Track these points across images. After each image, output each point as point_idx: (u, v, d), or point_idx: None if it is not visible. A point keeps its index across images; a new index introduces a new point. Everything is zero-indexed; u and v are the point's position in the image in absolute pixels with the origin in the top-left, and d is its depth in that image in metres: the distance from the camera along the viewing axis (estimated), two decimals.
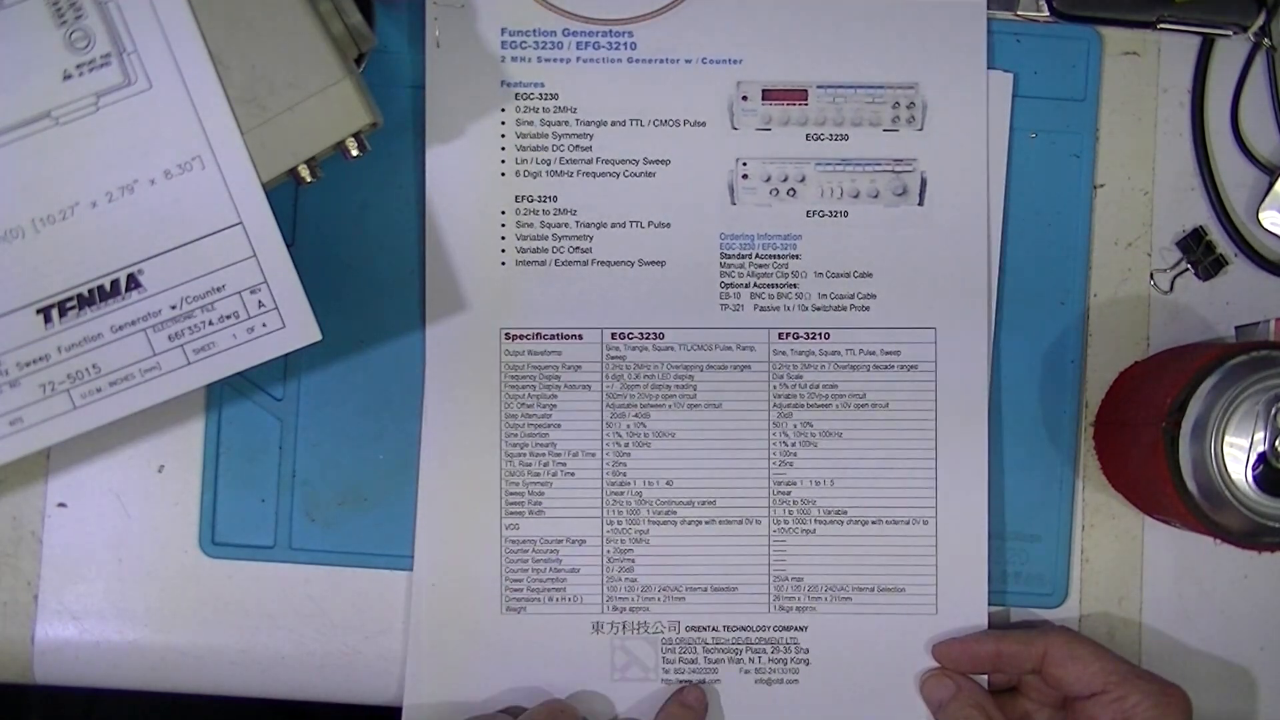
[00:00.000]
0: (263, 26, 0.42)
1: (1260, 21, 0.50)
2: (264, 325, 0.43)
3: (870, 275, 0.50)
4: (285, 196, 0.50)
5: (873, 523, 0.50)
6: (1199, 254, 0.51)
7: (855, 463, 0.50)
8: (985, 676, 0.50)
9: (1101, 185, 0.52)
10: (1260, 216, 0.51)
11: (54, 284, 0.42)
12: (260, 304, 0.43)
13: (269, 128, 0.42)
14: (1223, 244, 0.52)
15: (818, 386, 0.50)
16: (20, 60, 0.42)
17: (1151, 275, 0.52)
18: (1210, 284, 0.52)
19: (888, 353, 0.50)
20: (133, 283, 0.42)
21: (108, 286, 0.42)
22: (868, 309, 0.50)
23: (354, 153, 0.44)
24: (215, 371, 0.43)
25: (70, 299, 0.42)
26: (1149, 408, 0.46)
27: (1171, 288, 0.52)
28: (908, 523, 0.50)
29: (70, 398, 0.43)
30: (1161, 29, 0.51)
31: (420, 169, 0.50)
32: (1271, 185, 0.51)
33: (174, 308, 0.43)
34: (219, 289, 0.43)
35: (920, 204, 0.50)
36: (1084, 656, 0.46)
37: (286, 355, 0.44)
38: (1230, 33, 0.51)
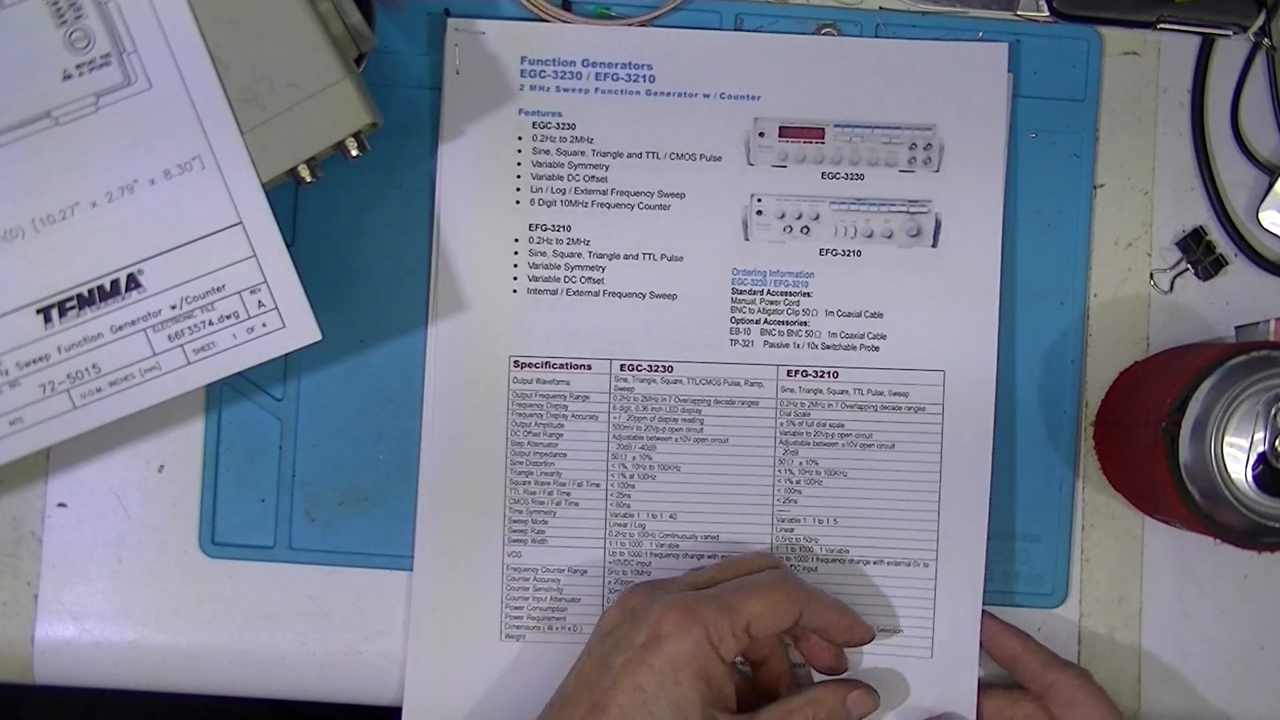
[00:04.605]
0: (263, 26, 0.42)
1: (1260, 21, 0.50)
2: (264, 325, 0.43)
3: (881, 315, 0.50)
4: (285, 196, 0.50)
5: (874, 563, 0.50)
6: (1199, 254, 0.51)
7: (859, 502, 0.50)
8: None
9: (1101, 185, 0.52)
10: (1260, 216, 0.51)
11: (54, 284, 0.42)
12: (260, 304, 0.43)
13: (269, 128, 0.42)
14: (1223, 244, 0.52)
15: (825, 425, 0.50)
16: (20, 60, 0.42)
17: (1151, 275, 0.52)
18: (1210, 284, 0.52)
19: (896, 394, 0.50)
20: (133, 283, 0.42)
21: (108, 286, 0.42)
22: (878, 349, 0.50)
23: (354, 153, 0.44)
24: (215, 371, 0.43)
25: (70, 299, 0.42)
26: (1149, 408, 0.46)
27: (1171, 288, 0.52)
28: (908, 564, 0.50)
29: (70, 398, 0.43)
30: (1161, 29, 0.51)
31: (430, 181, 0.50)
32: (1271, 185, 0.51)
33: (174, 308, 0.43)
34: (219, 289, 0.43)
35: (934, 246, 0.50)
36: (1085, 704, 0.46)
37: (286, 355, 0.44)
38: (1230, 33, 0.51)
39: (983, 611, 0.49)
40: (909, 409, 0.50)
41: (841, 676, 0.49)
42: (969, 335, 0.50)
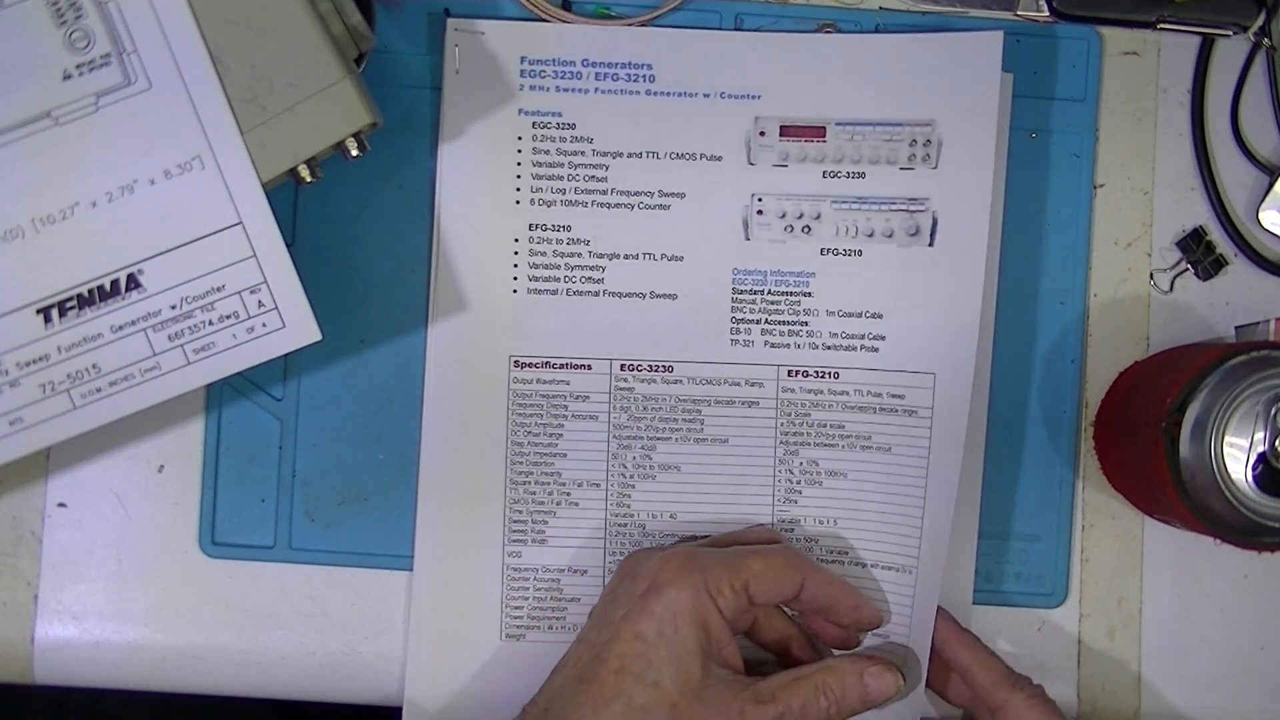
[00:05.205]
0: (263, 26, 0.42)
1: (1260, 21, 0.50)
2: (264, 325, 0.43)
3: (881, 316, 0.50)
4: (285, 196, 0.50)
5: (870, 566, 0.49)
6: (1199, 254, 0.51)
7: (858, 504, 0.50)
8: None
9: (1101, 185, 0.52)
10: (1260, 216, 0.51)
11: (54, 284, 0.42)
12: (260, 304, 0.43)
13: (269, 128, 0.42)
14: (1223, 244, 0.52)
15: (825, 426, 0.50)
16: (20, 60, 0.42)
17: (1151, 275, 0.52)
18: (1210, 284, 0.52)
19: (893, 396, 0.49)
20: (133, 283, 0.42)
21: (108, 286, 0.42)
22: (877, 350, 0.50)
23: (354, 153, 0.44)
24: (215, 371, 0.43)
25: (70, 299, 0.42)
26: (1149, 408, 0.46)
27: (1171, 288, 0.52)
28: (896, 569, 0.49)
29: (70, 398, 0.43)
30: (1161, 29, 0.51)
31: (430, 181, 0.50)
32: (1271, 185, 0.51)
33: (174, 308, 0.43)
34: (219, 289, 0.43)
35: (931, 245, 0.49)
36: None
37: (286, 355, 0.44)
38: (1230, 33, 0.51)
39: (939, 615, 0.48)
40: (904, 412, 0.49)
41: (862, 650, 0.48)
42: (957, 337, 0.49)
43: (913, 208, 0.50)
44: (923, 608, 0.48)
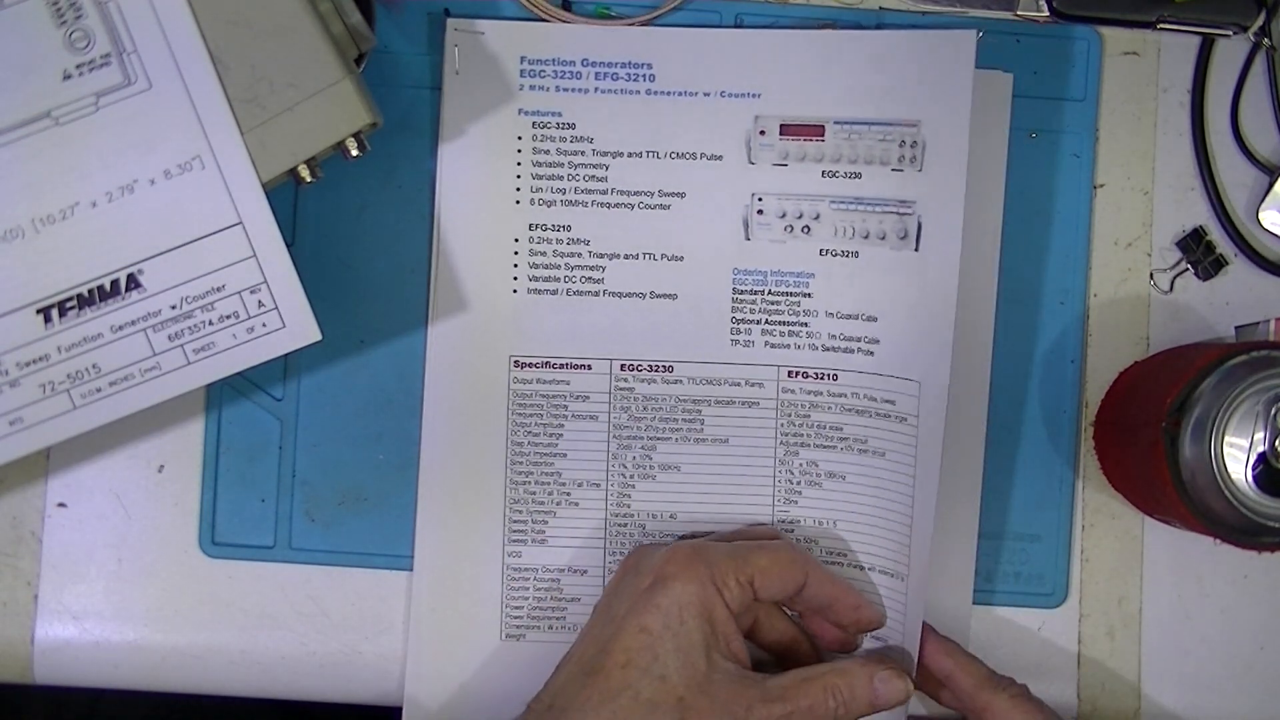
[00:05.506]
0: (263, 26, 0.42)
1: (1260, 21, 0.50)
2: (264, 325, 0.43)
3: (876, 319, 0.49)
4: (285, 196, 0.50)
5: (868, 569, 0.49)
6: (1199, 254, 0.51)
7: (856, 506, 0.49)
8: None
9: (1101, 185, 0.52)
10: (1260, 216, 0.51)
11: (54, 284, 0.42)
12: (260, 304, 0.43)
13: (269, 128, 0.42)
14: (1223, 244, 0.52)
15: (825, 427, 0.50)
16: (20, 60, 0.42)
17: (1151, 275, 0.52)
18: (1210, 284, 0.52)
19: (886, 401, 0.49)
20: (133, 283, 0.42)
21: (108, 286, 0.42)
22: (872, 354, 0.49)
23: (354, 153, 0.44)
24: (215, 371, 0.43)
25: (70, 299, 0.42)
26: (1149, 408, 0.46)
27: (1171, 288, 0.52)
28: (890, 574, 0.49)
29: (70, 398, 0.43)
30: (1161, 29, 0.51)
31: (430, 181, 0.50)
32: (1271, 185, 0.51)
33: (174, 308, 0.43)
34: (219, 289, 0.43)
35: (916, 249, 0.49)
36: None
37: (286, 355, 0.44)
38: (1230, 33, 0.51)
39: (930, 628, 0.48)
40: (896, 417, 0.49)
41: (874, 656, 0.48)
42: (936, 346, 0.48)
43: (902, 210, 0.49)
44: (914, 613, 0.48)
